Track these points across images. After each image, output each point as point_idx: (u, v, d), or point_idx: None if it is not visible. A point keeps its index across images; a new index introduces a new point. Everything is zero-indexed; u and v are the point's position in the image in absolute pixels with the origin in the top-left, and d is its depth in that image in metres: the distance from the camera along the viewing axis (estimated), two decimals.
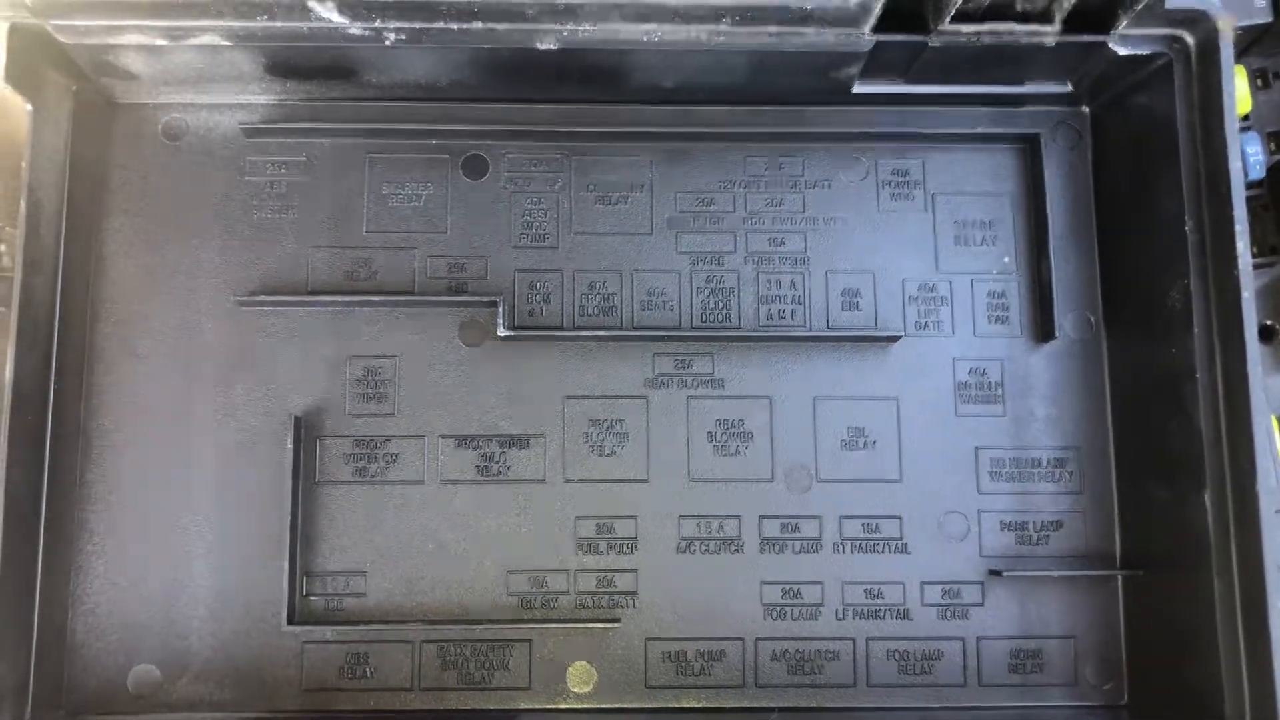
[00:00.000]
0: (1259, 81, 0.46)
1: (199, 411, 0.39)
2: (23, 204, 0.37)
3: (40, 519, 0.37)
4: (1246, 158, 0.45)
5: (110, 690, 0.37)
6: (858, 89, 0.42)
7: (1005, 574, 0.40)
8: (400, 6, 0.36)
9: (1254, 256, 0.44)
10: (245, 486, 0.39)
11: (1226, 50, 0.38)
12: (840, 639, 0.40)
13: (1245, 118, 0.46)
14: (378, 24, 0.36)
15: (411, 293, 0.40)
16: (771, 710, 0.38)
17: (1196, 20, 0.38)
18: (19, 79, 0.37)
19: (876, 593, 0.40)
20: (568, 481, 0.40)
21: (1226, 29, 0.39)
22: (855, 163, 0.43)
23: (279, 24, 0.36)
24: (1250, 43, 0.46)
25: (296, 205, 0.41)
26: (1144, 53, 0.39)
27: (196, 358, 0.40)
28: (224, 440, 0.39)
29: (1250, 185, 0.45)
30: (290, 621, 0.37)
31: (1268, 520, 0.35)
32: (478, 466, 0.40)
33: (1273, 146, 0.46)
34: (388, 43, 0.37)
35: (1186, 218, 0.38)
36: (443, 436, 0.40)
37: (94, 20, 0.36)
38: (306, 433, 0.39)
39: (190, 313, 0.40)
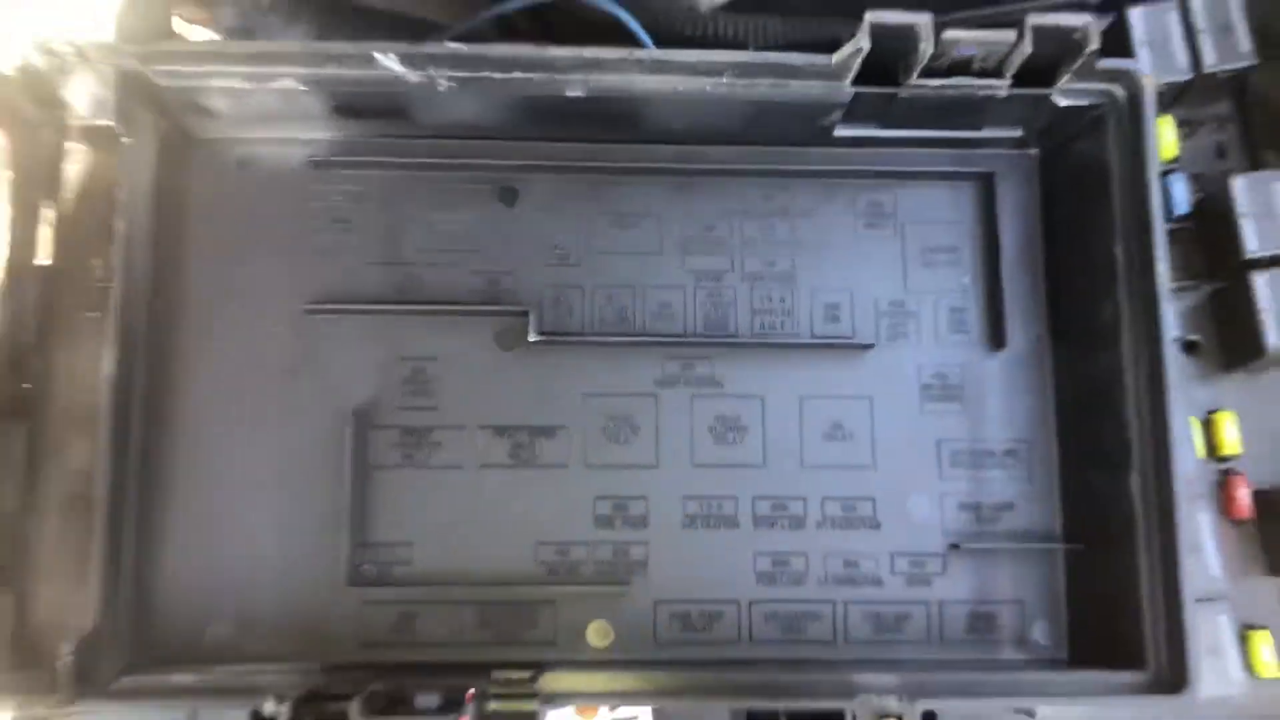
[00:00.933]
0: (1185, 130, 0.49)
1: (269, 404, 0.43)
2: (120, 225, 0.40)
3: (133, 496, 0.40)
4: (1174, 195, 0.48)
5: (191, 643, 0.41)
6: (839, 133, 0.45)
7: (963, 547, 0.44)
8: (452, 58, 0.40)
9: (1182, 280, 0.47)
10: (309, 469, 0.42)
11: (1149, 103, 0.42)
12: (822, 601, 0.43)
13: (1174, 161, 0.48)
14: (431, 72, 0.40)
15: (453, 303, 0.43)
16: (763, 662, 0.42)
17: (1124, 77, 0.42)
18: (121, 117, 0.40)
19: (853, 563, 0.44)
20: (588, 467, 0.43)
21: (1149, 85, 0.42)
22: (836, 196, 0.46)
23: (348, 72, 0.40)
24: (1178, 95, 0.48)
25: (354, 228, 0.44)
26: (1081, 104, 0.43)
27: (267, 358, 0.43)
28: (291, 429, 0.43)
29: (1179, 219, 0.47)
30: (351, 583, 0.41)
31: (1182, 501, 0.39)
32: (510, 453, 0.43)
33: (1197, 186, 0.48)
34: (440, 89, 0.40)
35: (1116, 244, 0.42)
36: (480, 427, 0.43)
37: (190, 67, 0.40)
38: (362, 423, 0.42)
39: (262, 319, 0.43)
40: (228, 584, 0.42)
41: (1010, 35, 0.39)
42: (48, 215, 0.42)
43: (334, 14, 0.53)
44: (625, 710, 0.45)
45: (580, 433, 0.44)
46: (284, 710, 0.33)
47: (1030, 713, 0.43)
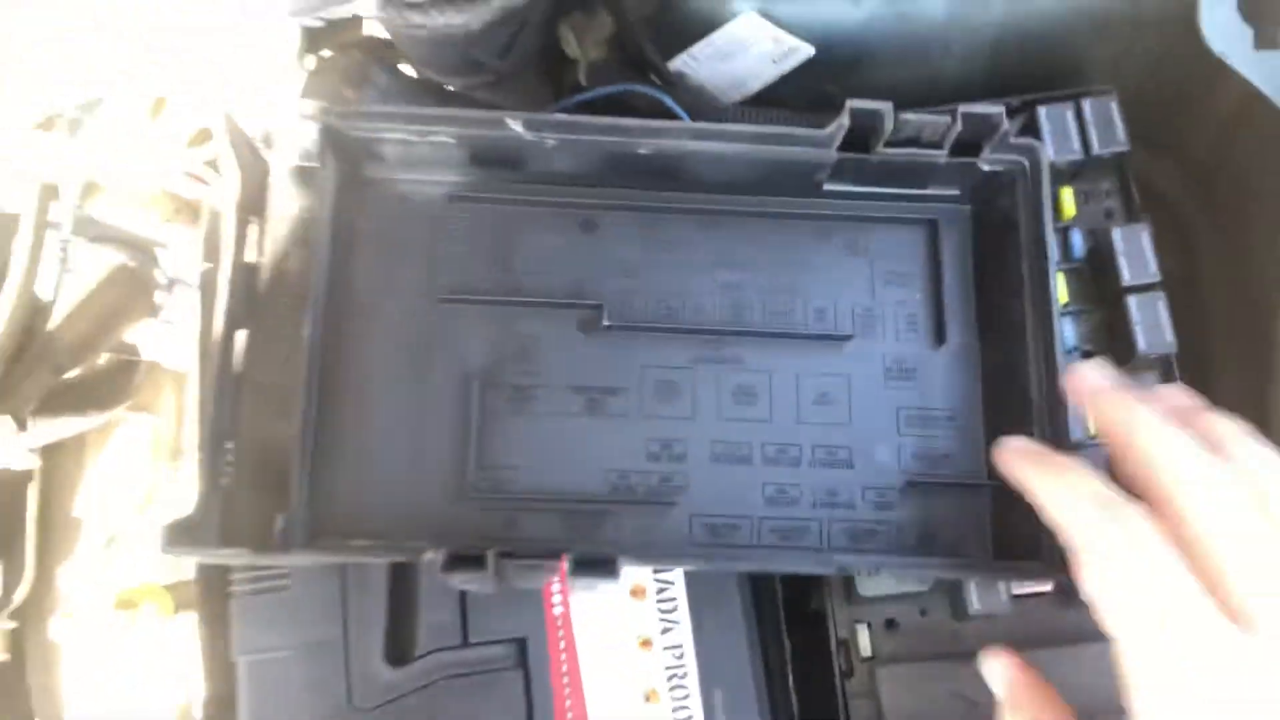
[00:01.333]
0: (1082, 198, 0.58)
1: (413, 367, 0.52)
2: (313, 237, 0.50)
3: (313, 427, 0.49)
4: (1074, 244, 0.57)
5: (352, 533, 0.50)
6: (826, 187, 0.54)
7: (915, 484, 0.52)
8: (557, 123, 0.49)
9: (1080, 305, 0.56)
10: (443, 415, 0.52)
11: (1045, 169, 0.50)
12: (812, 519, 0.52)
13: (1074, 219, 0.57)
14: (544, 134, 0.49)
15: (548, 299, 0.53)
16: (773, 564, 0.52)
17: (1027, 151, 0.51)
18: (321, 160, 0.51)
19: (834, 492, 0.52)
20: (643, 417, 0.52)
21: (1044, 157, 0.51)
22: (823, 233, 0.55)
23: (484, 132, 0.50)
24: (1075, 172, 0.57)
25: (478, 245, 0.53)
26: (999, 170, 0.52)
27: (412, 334, 0.52)
28: (429, 386, 0.51)
29: (1077, 261, 0.57)
30: (472, 494, 0.51)
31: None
32: (586, 406, 0.52)
33: (1090, 238, 0.57)
34: (548, 145, 0.50)
35: (1023, 269, 0.51)
36: (566, 387, 0.52)
37: (374, 124, 0.50)
38: (482, 382, 0.52)
39: (408, 306, 0.53)
40: (380, 495, 0.51)
41: (947, 118, 0.49)
42: (255, 230, 0.52)
43: (441, 99, 0.66)
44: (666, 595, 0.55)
45: (637, 393, 0.53)
46: (441, 555, 0.44)
47: (964, 612, 0.55)
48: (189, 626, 0.67)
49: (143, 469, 0.73)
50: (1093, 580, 0.37)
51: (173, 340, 0.67)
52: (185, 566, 0.69)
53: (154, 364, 0.70)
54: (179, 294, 0.66)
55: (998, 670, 0.44)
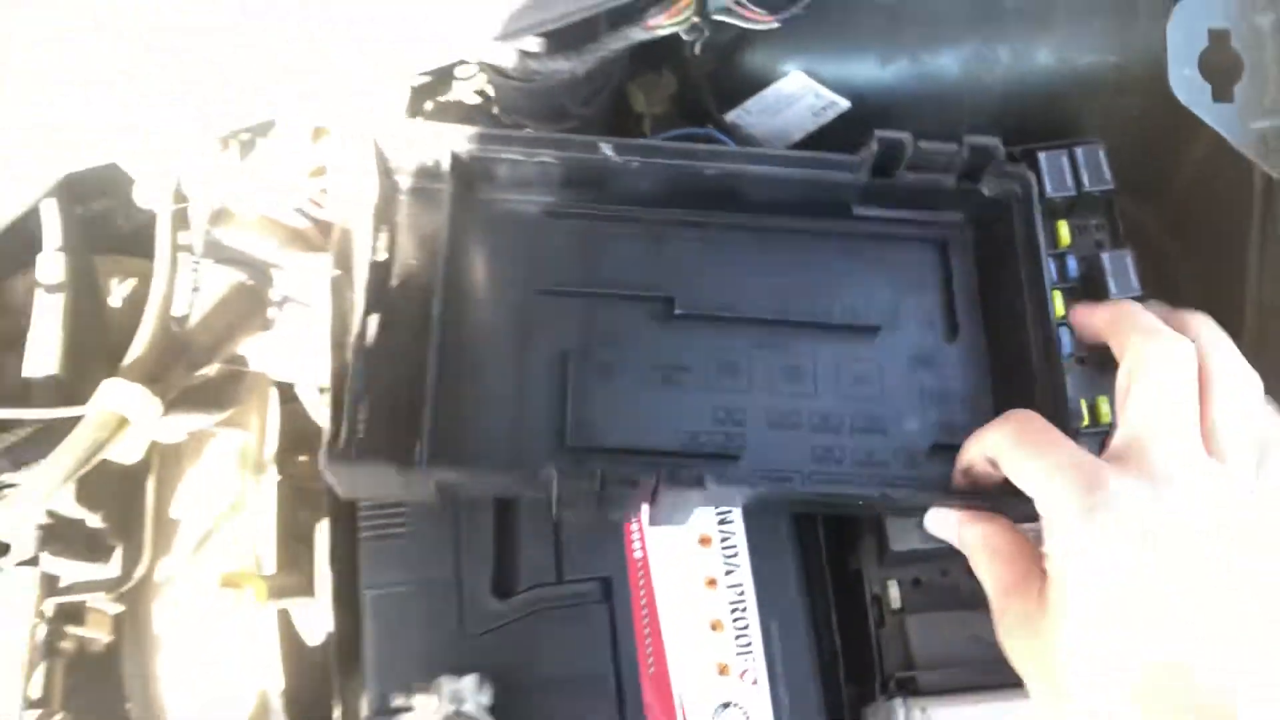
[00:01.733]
0: (1076, 230, 0.64)
1: (514, 346, 0.59)
2: (435, 240, 0.59)
3: (440, 392, 0.56)
4: (1069, 267, 0.63)
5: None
6: (855, 211, 0.62)
7: (938, 445, 0.59)
8: (641, 147, 0.57)
9: None
10: (541, 384, 0.59)
11: (1034, 193, 0.59)
12: (853, 474, 0.59)
13: (1069, 247, 0.64)
14: (628, 157, 0.57)
15: (626, 291, 0.61)
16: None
17: (1020, 178, 0.59)
18: (447, 179, 0.60)
19: (871, 454, 0.60)
20: (708, 390, 0.60)
21: (1033, 183, 0.59)
22: (853, 249, 0.63)
23: (581, 154, 0.58)
24: (1070, 207, 0.64)
25: (567, 251, 0.61)
26: (996, 195, 0.60)
27: (514, 320, 0.60)
28: (529, 361, 0.59)
29: (1072, 282, 0.63)
30: (569, 447, 0.59)
31: (1070, 421, 0.56)
32: (661, 380, 0.60)
33: (1082, 264, 0.64)
34: (632, 167, 0.58)
35: (1020, 270, 0.58)
36: (644, 364, 0.60)
37: (494, 145, 0.57)
38: (574, 360, 0.59)
39: (510, 297, 0.60)
40: (492, 448, 0.58)
41: (955, 146, 0.57)
42: (384, 237, 0.61)
43: None
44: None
45: (704, 371, 0.60)
46: (555, 474, 0.52)
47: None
48: (274, 617, 0.74)
49: (230, 480, 0.80)
50: (1014, 470, 0.49)
51: (280, 353, 0.75)
52: (268, 564, 0.76)
53: (256, 377, 0.78)
54: (289, 311, 0.74)
55: (938, 517, 0.54)
